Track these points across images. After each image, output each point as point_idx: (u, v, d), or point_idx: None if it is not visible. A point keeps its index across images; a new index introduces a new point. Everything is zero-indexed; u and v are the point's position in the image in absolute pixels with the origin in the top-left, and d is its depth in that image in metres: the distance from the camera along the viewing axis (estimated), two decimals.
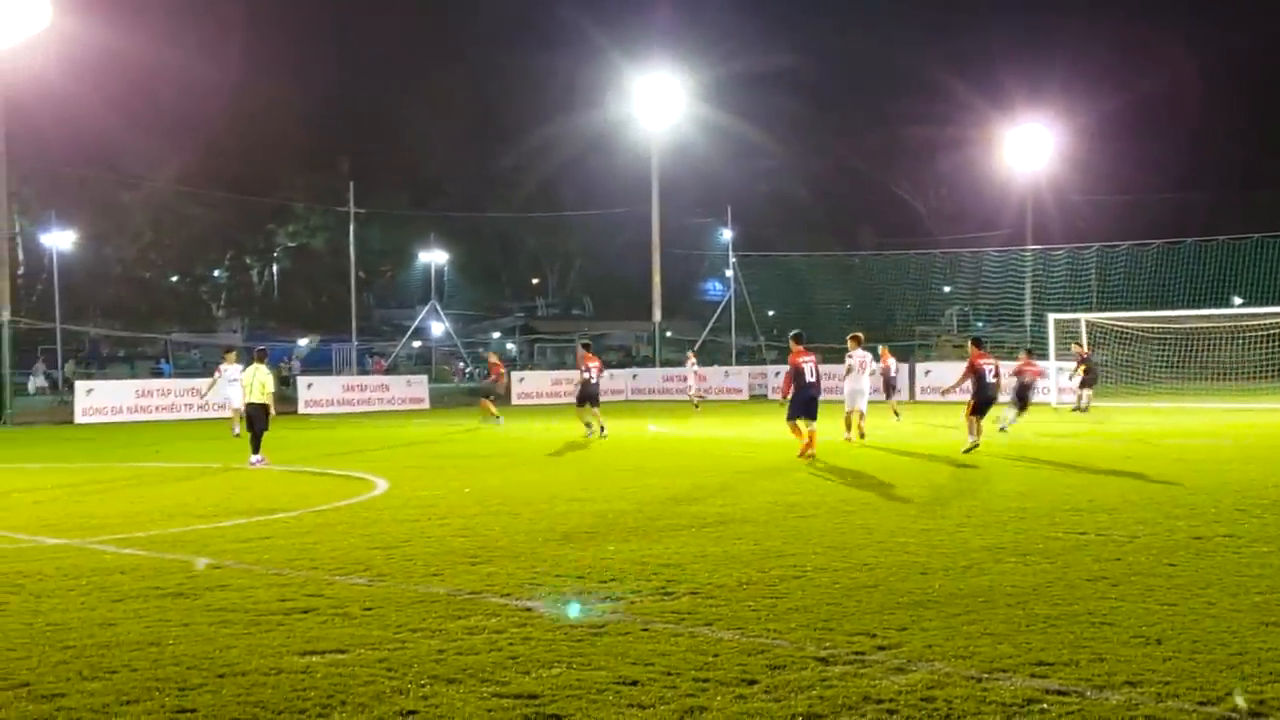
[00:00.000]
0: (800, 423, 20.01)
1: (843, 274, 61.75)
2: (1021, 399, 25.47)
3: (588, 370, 26.71)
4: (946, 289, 60.74)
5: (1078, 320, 38.33)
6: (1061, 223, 62.43)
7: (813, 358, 20.57)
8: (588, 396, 26.56)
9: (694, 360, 42.11)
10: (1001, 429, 24.35)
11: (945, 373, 41.81)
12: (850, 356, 23.99)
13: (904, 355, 46.45)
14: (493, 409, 32.05)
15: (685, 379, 42.57)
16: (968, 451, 20.11)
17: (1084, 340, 36.26)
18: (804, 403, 20.04)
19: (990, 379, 21.28)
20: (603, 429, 26.13)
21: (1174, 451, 20.77)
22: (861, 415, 23.67)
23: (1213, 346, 38.73)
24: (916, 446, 22.58)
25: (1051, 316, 39.88)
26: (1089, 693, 6.29)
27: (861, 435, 23.38)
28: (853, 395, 23.70)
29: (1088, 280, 47.46)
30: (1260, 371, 38.61)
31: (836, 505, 13.93)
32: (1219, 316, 39.33)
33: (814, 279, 59.29)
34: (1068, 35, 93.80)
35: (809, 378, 20.15)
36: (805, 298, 58.89)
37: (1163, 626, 7.65)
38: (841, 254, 62.37)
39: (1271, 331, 37.00)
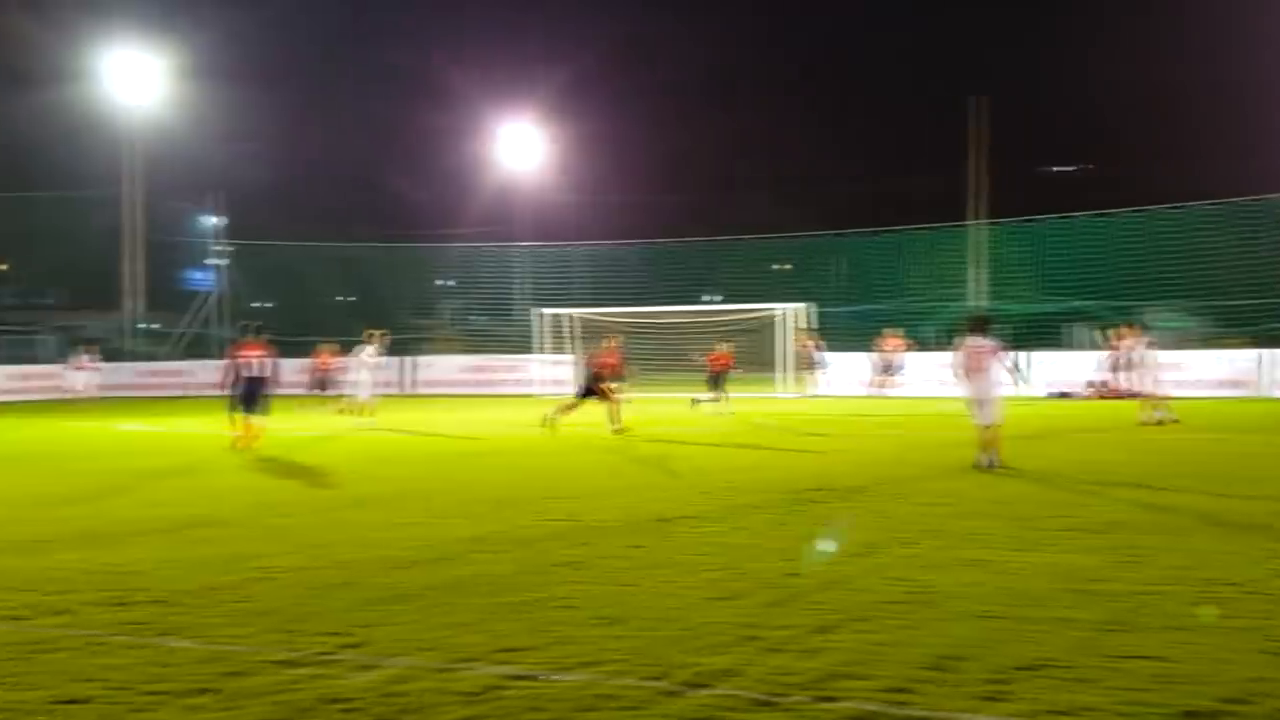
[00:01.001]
0: (239, 415, 20.71)
1: (343, 267, 60.88)
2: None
3: None
4: (449, 282, 61.52)
5: (568, 315, 40.01)
6: (553, 221, 64.73)
7: (258, 353, 21.00)
8: None
9: (85, 357, 42.94)
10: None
11: (445, 366, 42.70)
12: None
13: (404, 348, 46.45)
14: None
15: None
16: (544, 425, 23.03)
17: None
18: (243, 396, 20.69)
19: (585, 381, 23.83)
20: None
21: (656, 440, 22.05)
22: (357, 403, 27.94)
23: (690, 340, 41.57)
24: (414, 435, 22.88)
25: (536, 311, 41.33)
26: (550, 675, 6.44)
27: (342, 412, 28.15)
28: (354, 385, 28.56)
29: (576, 277, 49.51)
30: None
31: (317, 502, 13.62)
32: (697, 312, 42.41)
33: (311, 271, 58.00)
34: (567, 37, 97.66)
35: (248, 373, 20.71)
36: (303, 290, 57.56)
37: (623, 607, 8.00)
38: (338, 244, 61.30)
39: (744, 327, 40.24)
